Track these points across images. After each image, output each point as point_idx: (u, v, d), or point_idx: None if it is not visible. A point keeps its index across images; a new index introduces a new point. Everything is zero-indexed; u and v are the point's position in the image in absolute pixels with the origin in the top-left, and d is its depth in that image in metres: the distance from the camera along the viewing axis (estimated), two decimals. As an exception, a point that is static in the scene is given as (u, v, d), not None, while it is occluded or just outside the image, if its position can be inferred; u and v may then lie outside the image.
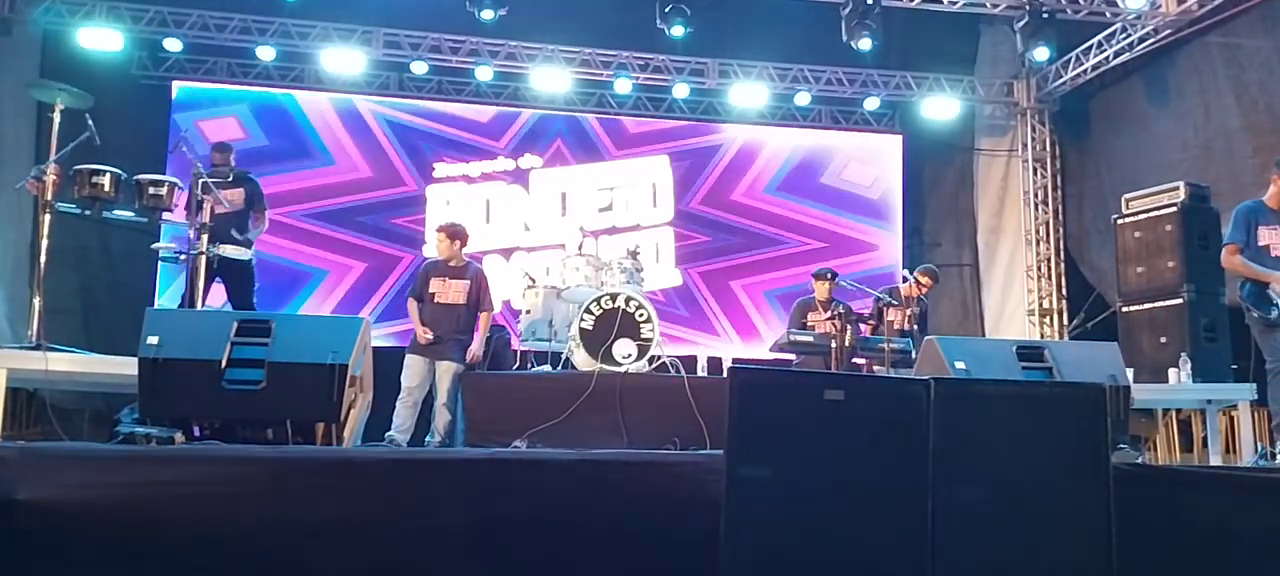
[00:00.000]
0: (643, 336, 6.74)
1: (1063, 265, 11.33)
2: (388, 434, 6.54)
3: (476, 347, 6.92)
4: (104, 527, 3.17)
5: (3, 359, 5.79)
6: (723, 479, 3.07)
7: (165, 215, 6.38)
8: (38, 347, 5.83)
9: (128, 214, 6.30)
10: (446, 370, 6.74)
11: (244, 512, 3.29)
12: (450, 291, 6.89)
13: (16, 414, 7.65)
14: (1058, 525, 3.23)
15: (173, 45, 10.20)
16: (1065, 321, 11.19)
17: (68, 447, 3.59)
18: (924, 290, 8.25)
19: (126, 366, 5.00)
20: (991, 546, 3.18)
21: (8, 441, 5.37)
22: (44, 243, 6.14)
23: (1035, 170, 11.44)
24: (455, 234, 7.04)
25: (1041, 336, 10.86)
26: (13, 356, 5.83)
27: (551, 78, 10.73)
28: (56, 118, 6.26)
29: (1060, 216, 11.42)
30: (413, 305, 7.00)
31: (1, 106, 9.31)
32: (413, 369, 6.77)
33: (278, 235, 10.00)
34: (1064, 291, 11.31)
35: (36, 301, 6.15)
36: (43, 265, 6.15)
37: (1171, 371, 6.87)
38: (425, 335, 6.76)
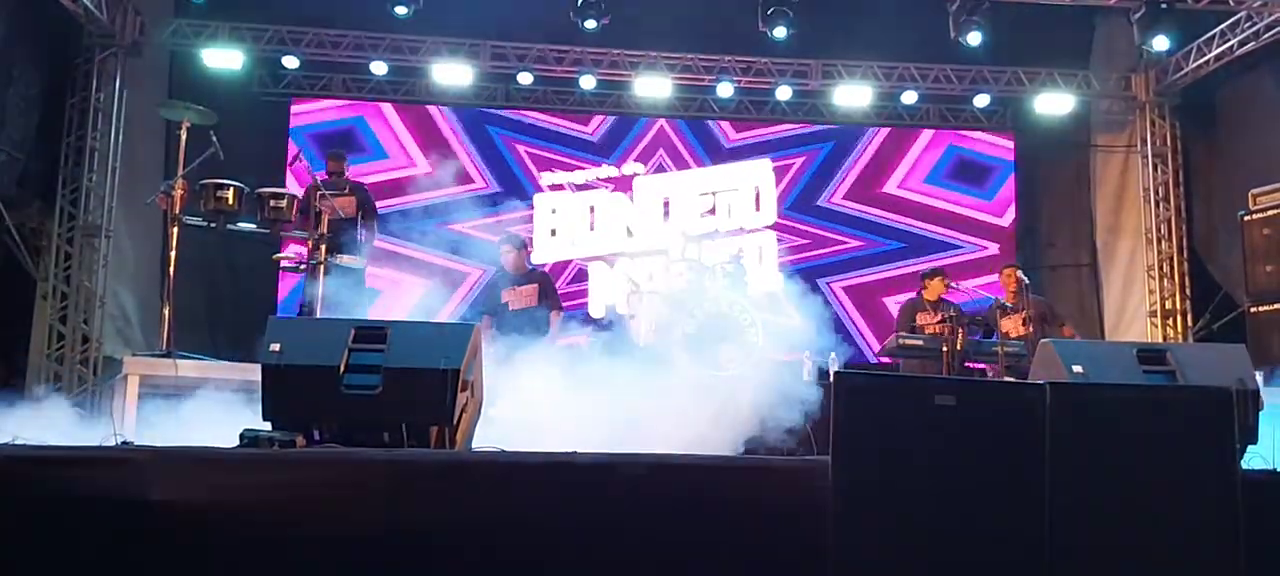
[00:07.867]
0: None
1: (1187, 265, 10.85)
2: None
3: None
4: (231, 526, 3.31)
5: (136, 365, 6.13)
6: (830, 485, 3.04)
7: (285, 226, 6.62)
8: (168, 355, 6.15)
9: (250, 226, 6.57)
10: None
11: (362, 513, 3.40)
12: (522, 297, 7.24)
13: (150, 417, 8.07)
14: (1181, 536, 3.09)
15: (291, 63, 10.53)
16: (1190, 323, 10.70)
17: (197, 450, 3.74)
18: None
19: (250, 372, 5.17)
20: (1110, 559, 3.06)
21: (141, 444, 5.67)
22: (172, 254, 6.46)
23: (1156, 166, 10.99)
24: (521, 244, 7.55)
25: (1164, 339, 10.41)
26: (145, 363, 6.16)
27: (653, 85, 10.77)
28: (183, 135, 6.56)
29: (1183, 214, 10.94)
30: (487, 321, 7.21)
31: (132, 125, 9.70)
32: None
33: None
34: (1188, 292, 10.81)
35: (166, 311, 6.47)
36: (172, 276, 6.47)
37: (1305, 374, 6.53)
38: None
